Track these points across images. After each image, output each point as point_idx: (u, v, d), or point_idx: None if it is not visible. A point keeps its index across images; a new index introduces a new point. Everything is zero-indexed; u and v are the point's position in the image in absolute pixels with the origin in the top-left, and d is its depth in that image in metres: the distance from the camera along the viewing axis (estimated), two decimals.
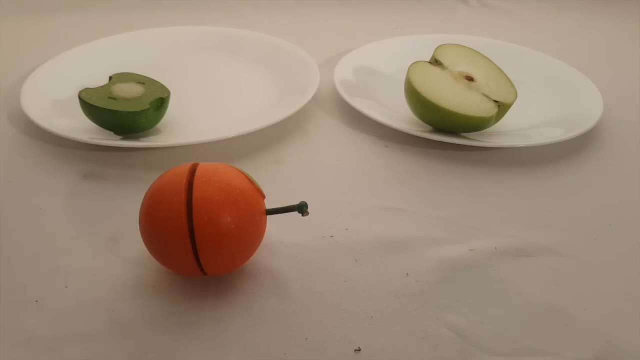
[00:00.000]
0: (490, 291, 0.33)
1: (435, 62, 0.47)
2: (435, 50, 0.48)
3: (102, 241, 0.35)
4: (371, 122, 0.47)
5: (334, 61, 0.55)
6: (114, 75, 0.46)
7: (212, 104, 0.51)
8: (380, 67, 0.56)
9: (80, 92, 0.43)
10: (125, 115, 0.42)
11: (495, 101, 0.44)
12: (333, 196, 0.40)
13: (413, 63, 0.47)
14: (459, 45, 0.49)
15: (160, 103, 0.44)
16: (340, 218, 0.38)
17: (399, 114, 0.48)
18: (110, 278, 0.33)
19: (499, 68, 0.47)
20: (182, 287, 0.33)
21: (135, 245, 0.35)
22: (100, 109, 0.42)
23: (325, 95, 0.53)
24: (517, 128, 0.48)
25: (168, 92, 0.45)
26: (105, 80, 0.46)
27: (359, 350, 0.29)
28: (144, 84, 0.45)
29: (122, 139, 0.43)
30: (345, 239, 0.36)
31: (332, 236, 0.37)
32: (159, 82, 0.46)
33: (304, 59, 0.55)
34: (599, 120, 0.47)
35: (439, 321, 0.31)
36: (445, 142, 0.45)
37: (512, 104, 0.45)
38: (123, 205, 0.38)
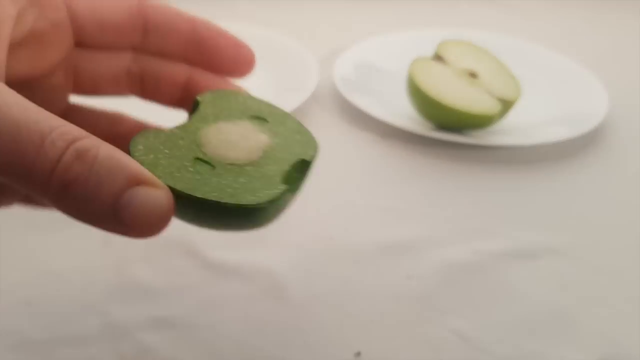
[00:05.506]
0: (494, 294, 0.33)
1: (438, 58, 0.46)
2: (438, 46, 0.47)
3: (95, 243, 0.35)
4: (372, 119, 0.46)
5: (334, 57, 0.54)
6: (204, 94, 0.24)
7: None
8: (381, 63, 0.56)
9: (135, 140, 0.21)
10: (235, 211, 0.19)
11: (499, 98, 0.44)
12: (332, 196, 0.40)
13: (415, 59, 0.46)
14: (462, 41, 0.48)
15: (301, 174, 0.22)
16: (340, 218, 0.38)
17: (401, 112, 0.48)
18: (104, 280, 0.32)
19: (503, 64, 0.47)
20: (177, 290, 0.32)
21: (128, 246, 0.34)
22: (179, 194, 0.19)
23: (325, 92, 0.52)
24: (522, 126, 0.47)
25: (315, 146, 0.23)
26: None
27: (359, 354, 0.29)
28: (266, 121, 0.23)
29: None
30: (344, 240, 0.36)
31: (331, 237, 0.36)
32: (294, 119, 0.24)
33: (302, 55, 0.54)
34: (605, 118, 0.47)
35: (441, 324, 0.31)
36: (448, 141, 0.44)
37: (516, 101, 0.44)
38: None
